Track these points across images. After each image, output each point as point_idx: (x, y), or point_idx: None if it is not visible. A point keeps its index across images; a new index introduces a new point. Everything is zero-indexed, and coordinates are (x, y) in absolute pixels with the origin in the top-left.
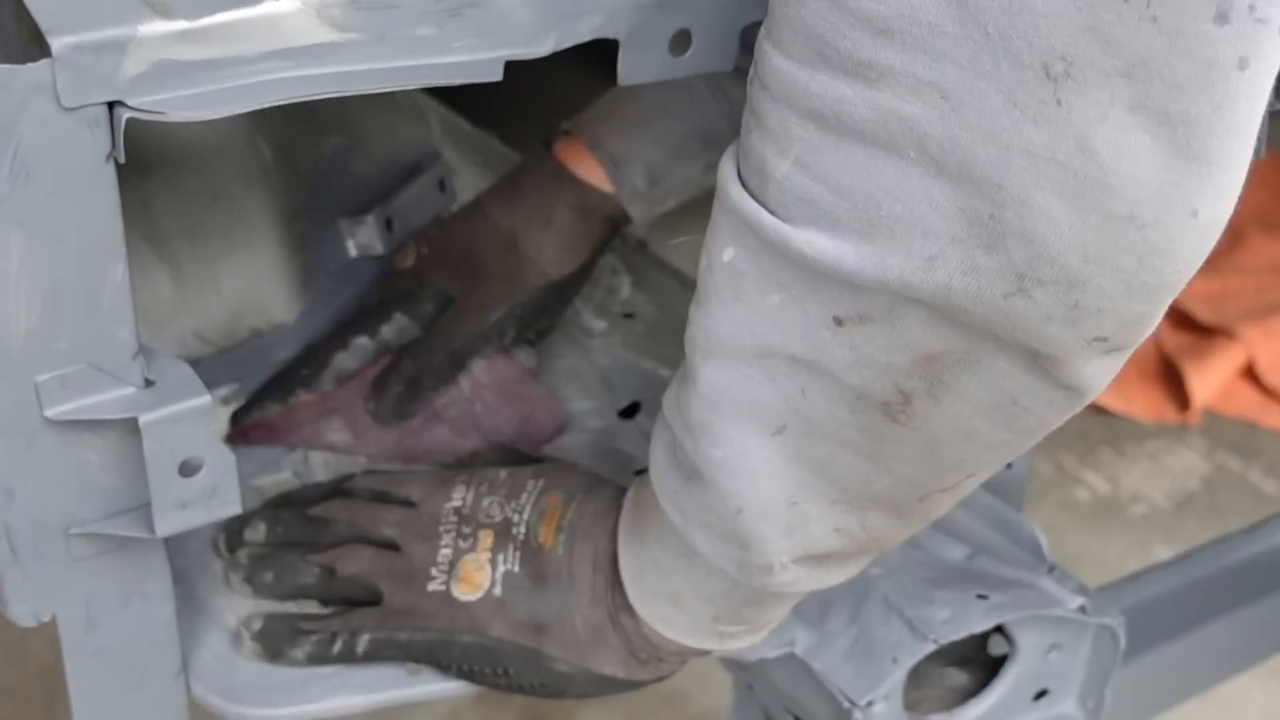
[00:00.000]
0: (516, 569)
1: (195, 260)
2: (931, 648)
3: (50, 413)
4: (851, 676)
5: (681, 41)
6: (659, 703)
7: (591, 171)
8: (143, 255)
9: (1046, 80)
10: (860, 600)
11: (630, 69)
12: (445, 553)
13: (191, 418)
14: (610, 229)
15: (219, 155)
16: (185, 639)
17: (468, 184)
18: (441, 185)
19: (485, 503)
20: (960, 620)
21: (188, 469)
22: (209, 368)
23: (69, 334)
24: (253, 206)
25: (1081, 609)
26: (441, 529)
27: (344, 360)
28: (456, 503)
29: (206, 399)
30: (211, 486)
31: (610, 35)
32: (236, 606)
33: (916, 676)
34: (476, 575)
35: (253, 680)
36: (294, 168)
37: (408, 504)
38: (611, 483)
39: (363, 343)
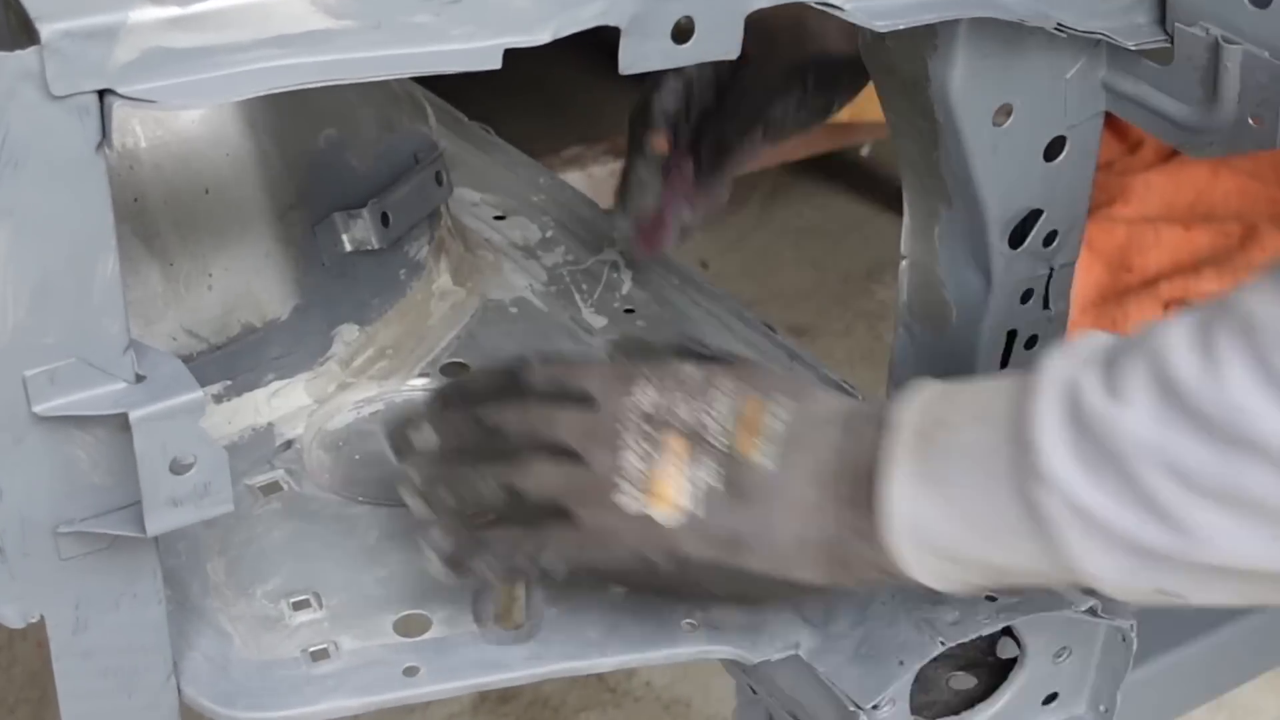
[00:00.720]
0: (716, 484)
1: (186, 254)
2: (939, 650)
3: (39, 408)
4: (857, 680)
5: (684, 29)
6: (660, 710)
7: None
8: (133, 248)
9: None
10: (866, 602)
11: (631, 57)
12: (632, 460)
13: (183, 414)
14: None
15: (211, 147)
16: (176, 641)
17: (466, 177)
18: (439, 178)
19: (673, 402)
20: (968, 622)
21: (179, 466)
22: (201, 364)
23: (58, 328)
24: (246, 199)
25: (1092, 610)
26: (625, 434)
27: (665, 99)
28: (641, 402)
29: (198, 394)
30: (203, 484)
31: (612, 23)
32: (229, 608)
33: (923, 680)
34: (670, 490)
35: (245, 682)
36: (288, 160)
37: (586, 400)
38: (817, 384)
39: (671, 82)
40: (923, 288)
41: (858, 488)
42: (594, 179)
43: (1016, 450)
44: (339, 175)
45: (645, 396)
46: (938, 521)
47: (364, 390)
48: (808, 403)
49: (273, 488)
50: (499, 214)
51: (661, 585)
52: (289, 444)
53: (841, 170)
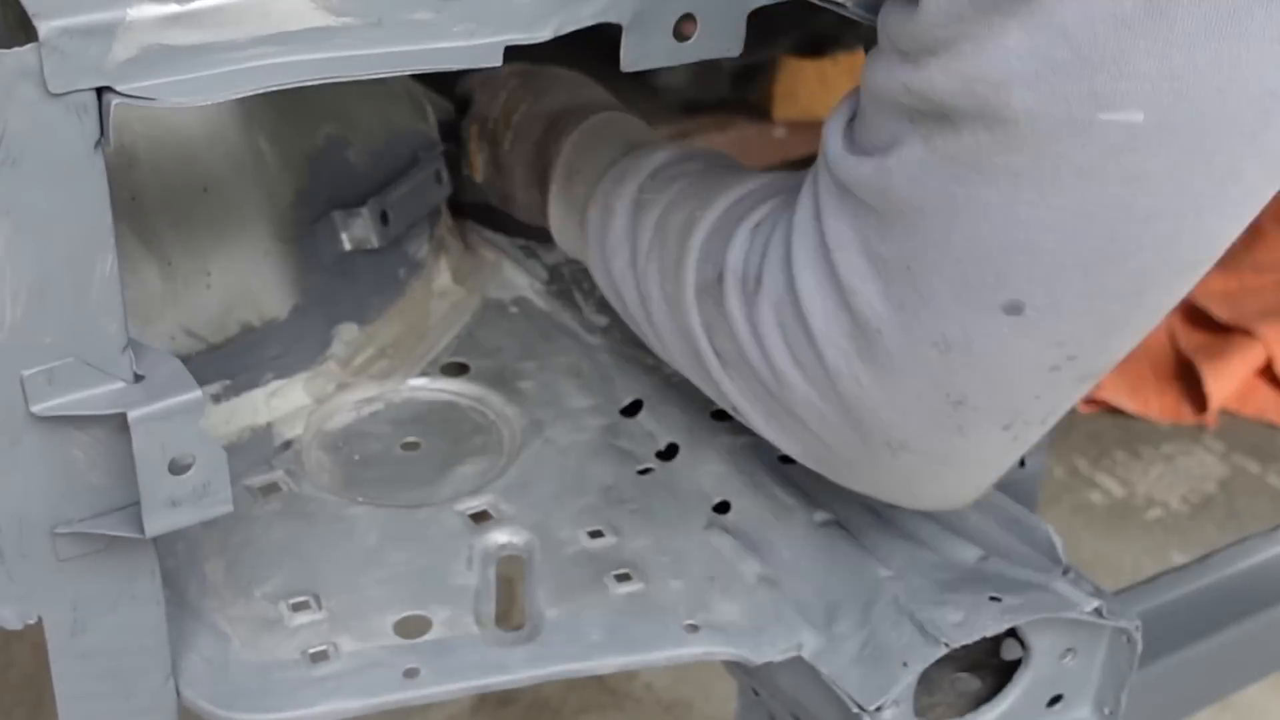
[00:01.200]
0: (485, 154)
1: (185, 253)
2: (943, 651)
3: (36, 408)
4: (860, 681)
5: (686, 26)
6: (660, 712)
7: None
8: (131, 248)
9: None
10: (870, 603)
11: (633, 55)
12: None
13: (182, 414)
14: None
15: (210, 145)
16: (175, 642)
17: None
18: (439, 177)
19: (484, 102)
20: (973, 623)
21: (177, 466)
22: (199, 364)
23: (56, 327)
24: (244, 198)
25: (1097, 611)
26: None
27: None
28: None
29: (197, 394)
30: (202, 485)
31: (613, 20)
32: (227, 609)
33: (927, 681)
34: (476, 160)
35: (244, 684)
36: (287, 158)
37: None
38: (575, 88)
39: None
40: None
41: (543, 183)
42: None
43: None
44: (338, 173)
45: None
46: (568, 226)
47: (363, 390)
48: (539, 100)
49: (271, 488)
50: None
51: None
52: (288, 444)
53: None
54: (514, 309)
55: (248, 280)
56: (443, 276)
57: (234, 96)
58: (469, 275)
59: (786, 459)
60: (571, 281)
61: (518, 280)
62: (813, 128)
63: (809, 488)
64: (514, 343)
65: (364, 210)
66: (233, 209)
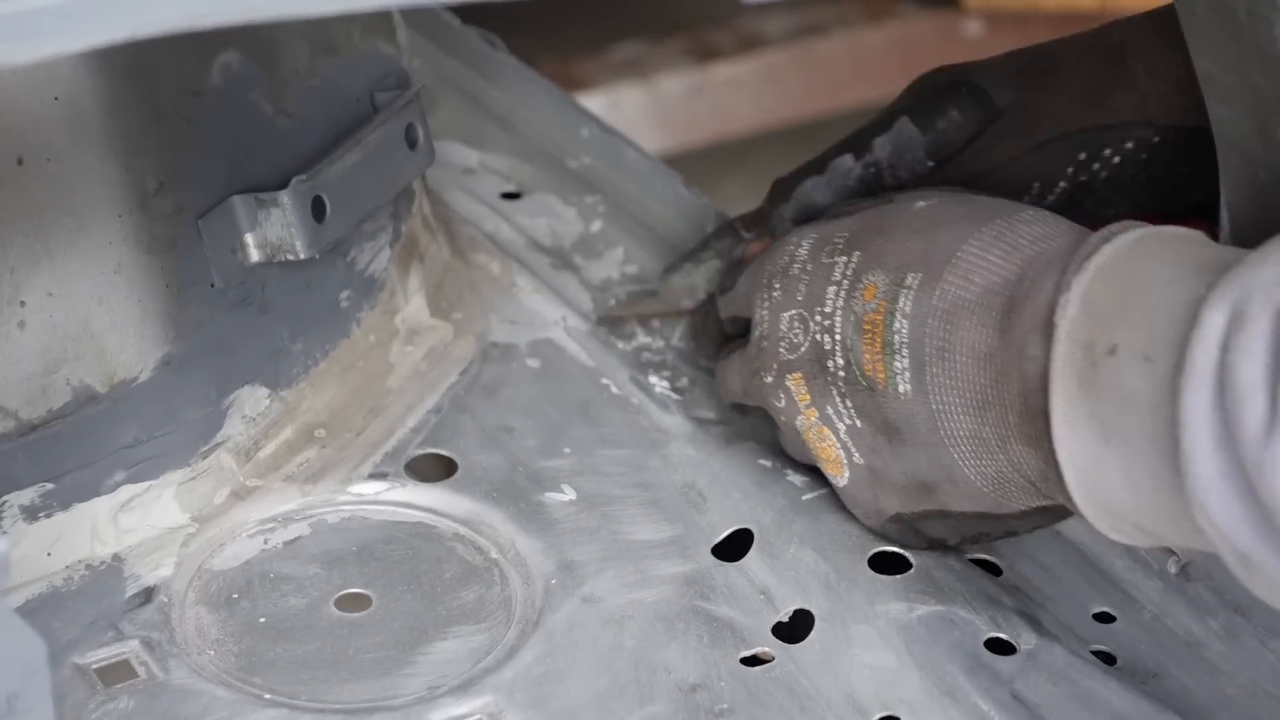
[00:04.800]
0: (859, 424)
1: None
2: None
3: None
4: None
5: None
6: None
7: None
8: None
9: None
10: None
11: None
12: (784, 421)
13: None
14: None
15: (29, 88)
16: None
17: (456, 127)
18: (411, 134)
19: (783, 316)
20: None
21: None
22: (4, 456)
23: None
24: (84, 174)
25: None
26: (755, 379)
27: (813, 190)
28: (756, 328)
29: None
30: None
31: None
32: None
33: None
34: (824, 447)
35: None
36: (156, 108)
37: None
38: (961, 247)
39: (845, 163)
40: None
41: (1023, 418)
42: (662, 97)
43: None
44: (241, 133)
45: (758, 314)
46: (1110, 476)
47: (277, 501)
48: (947, 278)
49: (119, 673)
50: (510, 189)
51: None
52: (149, 594)
53: None
54: (533, 361)
55: (86, 314)
56: (413, 303)
57: (77, 49)
58: (458, 300)
59: (998, 643)
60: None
61: (542, 310)
62: (1021, 22)
63: (1030, 695)
64: (533, 422)
65: (283, 195)
66: (64, 193)
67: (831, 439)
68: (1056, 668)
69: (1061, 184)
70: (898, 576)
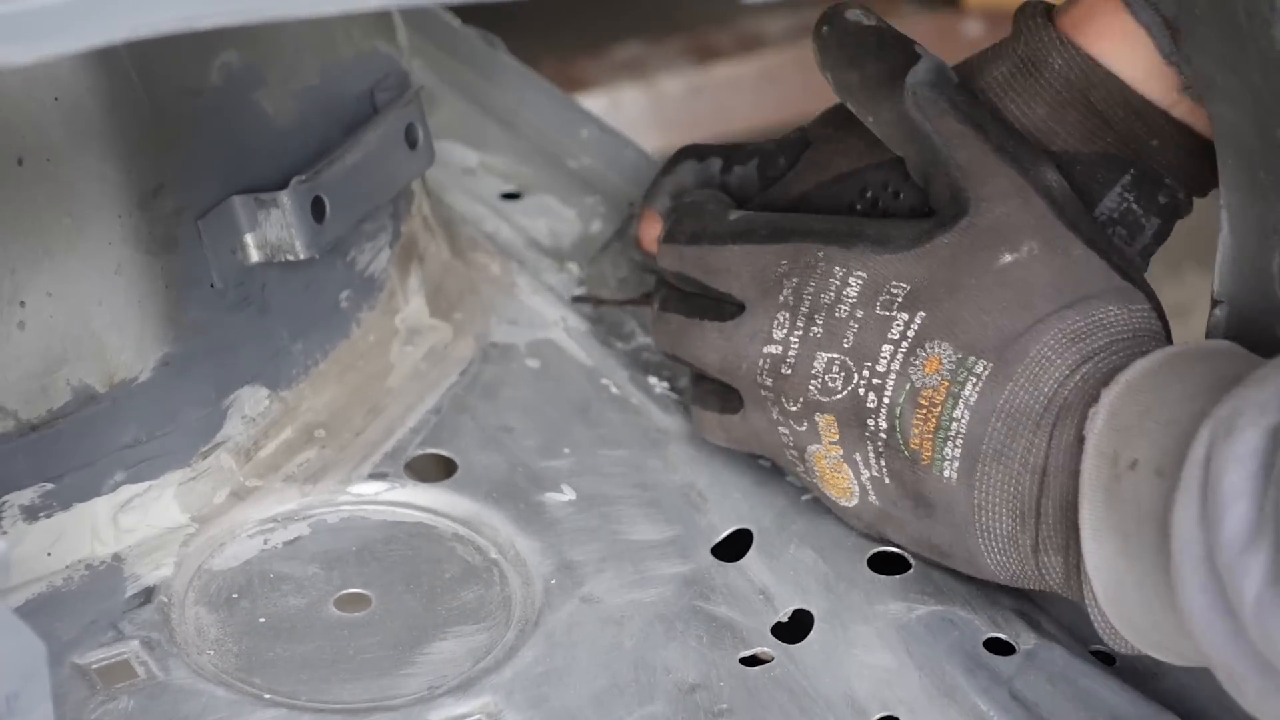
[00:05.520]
0: (886, 480)
1: None
2: None
3: None
4: None
5: None
6: None
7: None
8: None
9: None
10: None
11: None
12: (784, 433)
13: None
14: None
15: (29, 87)
16: None
17: (456, 127)
18: (411, 135)
19: (820, 356)
20: None
21: None
22: (4, 456)
23: None
24: (84, 175)
25: None
26: (762, 388)
27: (687, 173)
28: (772, 345)
29: None
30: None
31: None
32: None
33: None
34: (838, 478)
35: None
36: (158, 106)
37: (731, 308)
38: (1036, 343)
39: (713, 165)
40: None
41: (1055, 529)
42: (662, 97)
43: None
44: (242, 133)
45: (779, 331)
46: (1131, 592)
47: (276, 501)
48: (1018, 378)
49: (119, 673)
50: (510, 190)
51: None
52: (149, 594)
53: None
54: (533, 361)
55: (87, 315)
56: (413, 304)
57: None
58: (458, 301)
59: (997, 643)
60: (632, 314)
61: (542, 311)
62: None
63: (1029, 695)
64: (533, 422)
65: (283, 196)
66: (64, 193)
67: (849, 476)
68: (1055, 668)
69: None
70: (897, 576)
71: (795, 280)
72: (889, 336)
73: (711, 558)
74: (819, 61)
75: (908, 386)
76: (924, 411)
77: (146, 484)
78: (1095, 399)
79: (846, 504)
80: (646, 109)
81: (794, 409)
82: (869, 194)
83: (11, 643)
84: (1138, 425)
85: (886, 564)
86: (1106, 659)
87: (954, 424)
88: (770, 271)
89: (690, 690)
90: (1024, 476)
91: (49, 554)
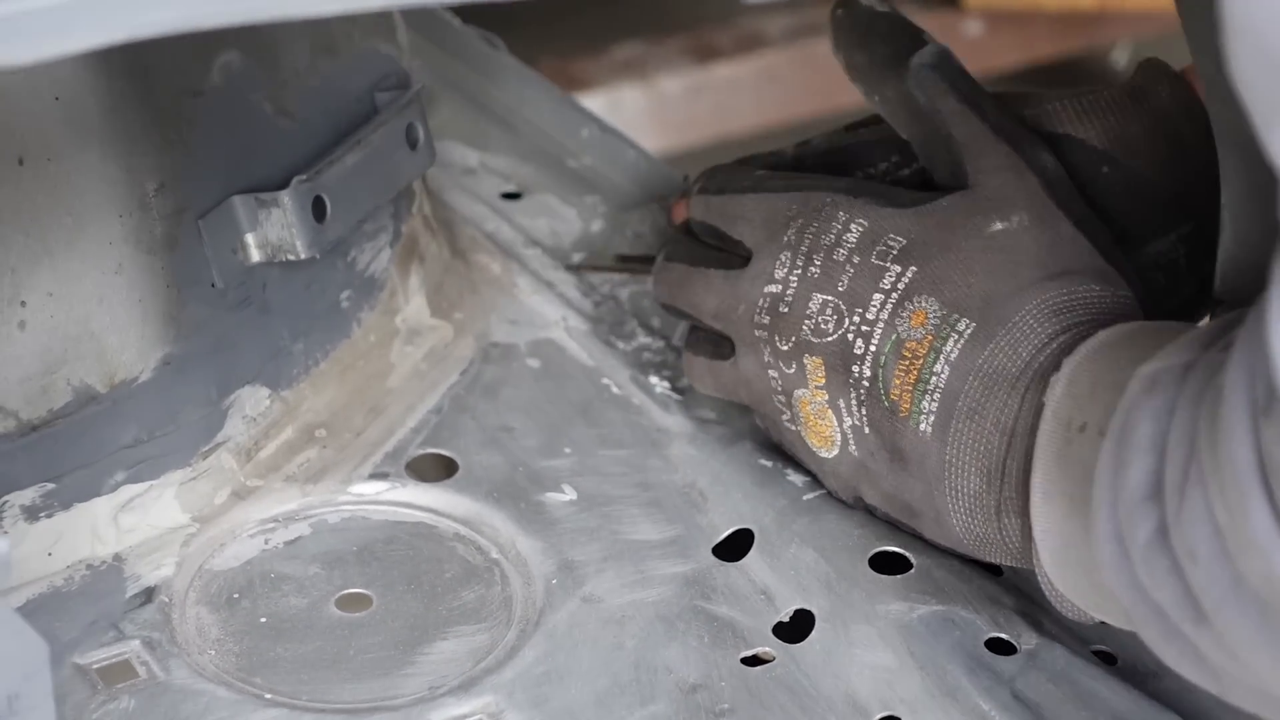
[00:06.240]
0: (866, 429)
1: None
2: None
3: None
4: None
5: None
6: None
7: None
8: None
9: None
10: None
11: None
12: (773, 377)
13: None
14: None
15: (30, 87)
16: None
17: (458, 127)
18: (412, 135)
19: (816, 297)
20: None
21: None
22: (3, 455)
23: None
24: (85, 174)
25: None
26: (757, 329)
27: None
28: (773, 284)
29: None
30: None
31: None
32: None
33: None
34: (821, 425)
35: None
36: (158, 106)
37: (739, 256)
38: (1019, 310)
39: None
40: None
41: (1019, 491)
42: (662, 97)
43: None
44: (242, 132)
45: (781, 269)
46: (1074, 553)
47: (277, 502)
48: (999, 340)
49: (120, 673)
50: (510, 189)
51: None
52: (149, 594)
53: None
54: (534, 361)
55: (87, 315)
56: (413, 304)
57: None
58: (458, 301)
59: (999, 642)
60: (633, 313)
61: (543, 311)
62: (1021, 22)
63: (1031, 695)
64: (533, 422)
65: (284, 196)
66: (65, 193)
67: (833, 423)
68: (1057, 667)
69: (871, 171)
70: (898, 576)
71: (800, 221)
72: (881, 286)
73: (712, 557)
74: (833, 42)
75: (894, 336)
76: (906, 363)
77: (147, 484)
78: (1059, 367)
79: (826, 455)
80: (646, 109)
81: (785, 348)
82: (881, 167)
83: (13, 643)
84: (1090, 392)
85: (888, 564)
86: (1108, 659)
87: (934, 378)
88: (780, 215)
89: (691, 690)
90: (994, 437)
91: (50, 554)
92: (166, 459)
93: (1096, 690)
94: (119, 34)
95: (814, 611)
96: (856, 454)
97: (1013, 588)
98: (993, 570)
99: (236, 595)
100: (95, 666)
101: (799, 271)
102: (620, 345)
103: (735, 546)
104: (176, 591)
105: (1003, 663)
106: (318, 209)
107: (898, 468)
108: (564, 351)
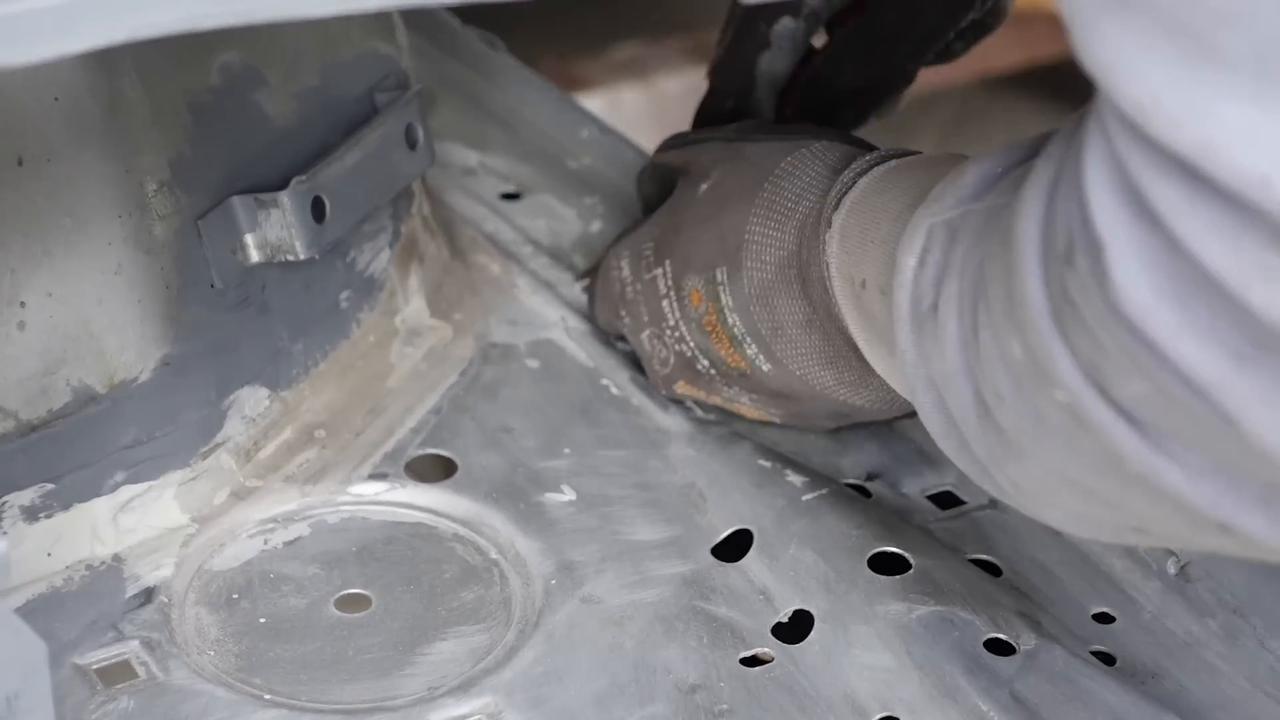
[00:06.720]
0: (746, 399)
1: None
2: None
3: None
4: None
5: None
6: None
7: None
8: None
9: None
10: None
11: None
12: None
13: None
14: None
15: (30, 87)
16: None
17: (457, 128)
18: (412, 135)
19: (642, 338)
20: None
21: None
22: (2, 455)
23: None
24: (84, 175)
25: None
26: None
27: (772, 63)
28: (632, 341)
29: None
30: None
31: None
32: None
33: None
34: (741, 409)
35: None
36: (158, 106)
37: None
38: (743, 227)
39: (786, 25)
40: None
41: (854, 360)
42: (661, 97)
43: None
44: (242, 132)
45: (625, 332)
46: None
47: (276, 502)
48: (746, 265)
49: (120, 673)
50: (510, 190)
51: None
52: (149, 594)
53: (1065, 84)
54: (533, 362)
55: (86, 315)
56: (413, 304)
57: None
58: (458, 301)
59: (998, 643)
60: None
61: (543, 311)
62: (1021, 21)
63: (1029, 696)
64: (532, 423)
65: (283, 196)
66: (65, 194)
67: (744, 406)
68: (1056, 668)
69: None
70: (897, 577)
71: (604, 293)
72: (659, 292)
73: (711, 558)
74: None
75: (694, 323)
76: (714, 335)
77: (146, 484)
78: (830, 224)
79: (763, 421)
80: (646, 109)
81: (664, 392)
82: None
83: (12, 643)
84: (860, 247)
85: (887, 564)
86: (1107, 659)
87: (735, 329)
88: (603, 299)
89: (690, 691)
90: (802, 335)
91: (49, 554)
92: (166, 459)
93: (1095, 691)
94: (119, 34)
95: (813, 612)
96: (773, 412)
97: (1011, 588)
98: (992, 571)
99: (236, 596)
100: (94, 667)
101: (626, 328)
102: (620, 345)
103: (734, 547)
104: (176, 592)
105: (1001, 663)
106: (317, 209)
107: (794, 404)
108: (563, 352)
